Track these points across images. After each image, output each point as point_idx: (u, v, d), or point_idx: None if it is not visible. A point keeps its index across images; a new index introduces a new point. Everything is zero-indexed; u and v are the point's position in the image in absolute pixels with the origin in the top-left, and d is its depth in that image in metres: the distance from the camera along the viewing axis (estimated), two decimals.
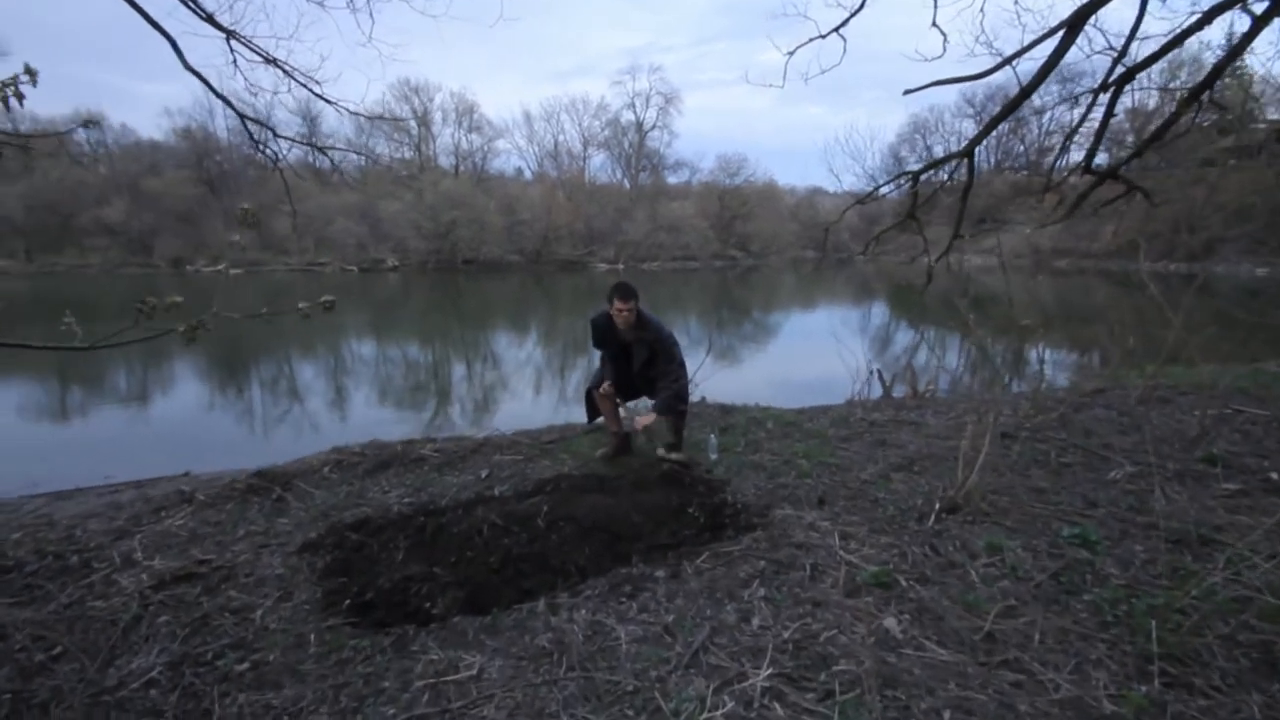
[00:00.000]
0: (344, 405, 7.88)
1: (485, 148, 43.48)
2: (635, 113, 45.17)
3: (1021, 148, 43.38)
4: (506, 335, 15.07)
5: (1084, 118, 5.88)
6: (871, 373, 5.58)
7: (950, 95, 46.86)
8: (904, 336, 14.55)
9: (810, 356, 10.93)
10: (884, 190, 5.61)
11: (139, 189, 35.33)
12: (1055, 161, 6.95)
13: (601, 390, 3.64)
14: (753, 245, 42.47)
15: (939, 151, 44.83)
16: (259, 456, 5.77)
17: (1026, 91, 5.01)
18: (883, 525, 2.84)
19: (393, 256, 34.66)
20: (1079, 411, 4.67)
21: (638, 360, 3.63)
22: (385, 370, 10.16)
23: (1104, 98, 5.14)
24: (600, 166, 46.96)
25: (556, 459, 3.59)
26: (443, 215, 33.89)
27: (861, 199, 6.11)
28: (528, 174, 45.74)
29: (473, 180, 39.94)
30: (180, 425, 7.05)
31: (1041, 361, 6.92)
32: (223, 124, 35.84)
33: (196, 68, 4.57)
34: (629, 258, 37.39)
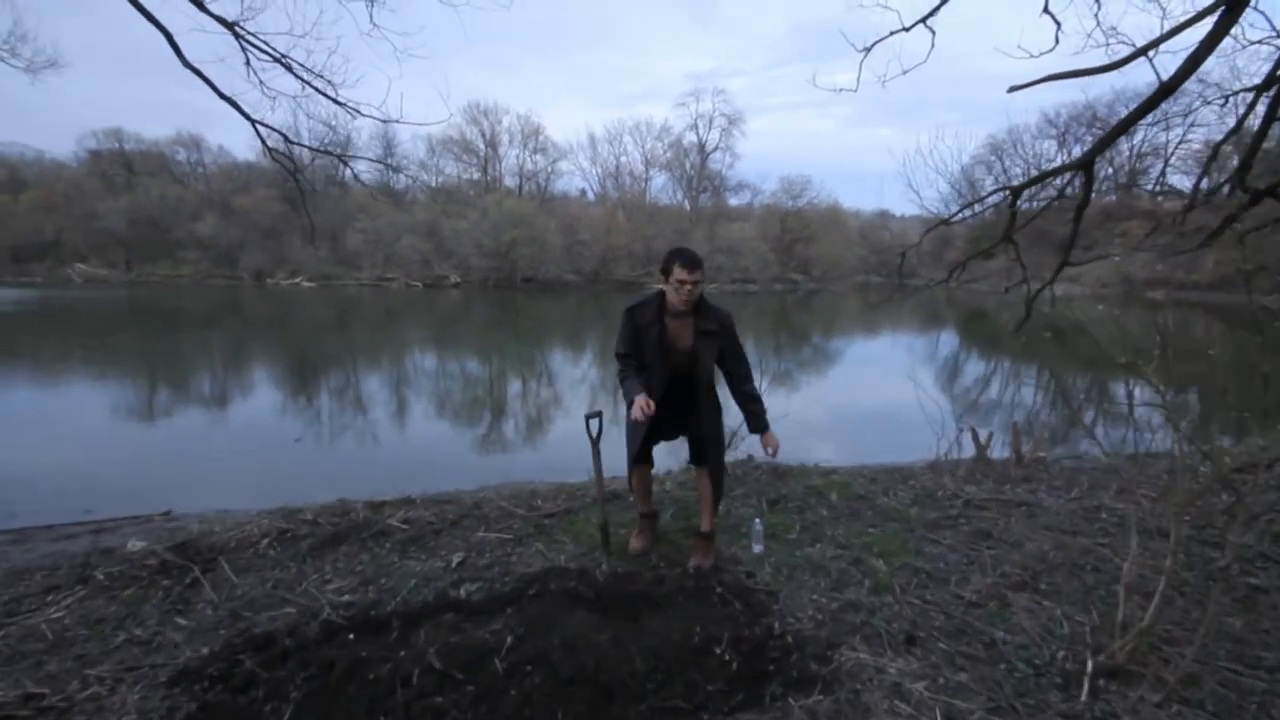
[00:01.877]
0: (351, 428, 7.44)
1: (549, 169, 44.07)
2: (698, 134, 44.76)
3: (1110, 170, 39.90)
4: (554, 355, 14.54)
5: (1241, 121, 4.73)
6: (962, 429, 4.53)
7: (1031, 116, 43.95)
8: (981, 370, 13.06)
9: (880, 394, 9.74)
10: (979, 209, 4.61)
11: (229, 206, 37.63)
12: (1199, 180, 5.74)
13: (638, 407, 2.42)
14: (814, 269, 40.94)
15: (1018, 175, 42.05)
16: (258, 485, 5.28)
17: (1169, 88, 3.92)
18: (1008, 695, 1.90)
19: (455, 273, 35.31)
20: (1251, 494, 3.50)
21: (703, 365, 2.58)
22: (416, 393, 9.75)
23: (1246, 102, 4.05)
24: (661, 188, 46.69)
25: (552, 542, 2.80)
26: (504, 234, 34.29)
27: (947, 219, 5.12)
28: (590, 195, 46.06)
29: (535, 200, 40.42)
30: (193, 444, 6.75)
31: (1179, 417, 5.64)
32: (306, 143, 37.73)
33: (218, 75, 4.24)
34: None
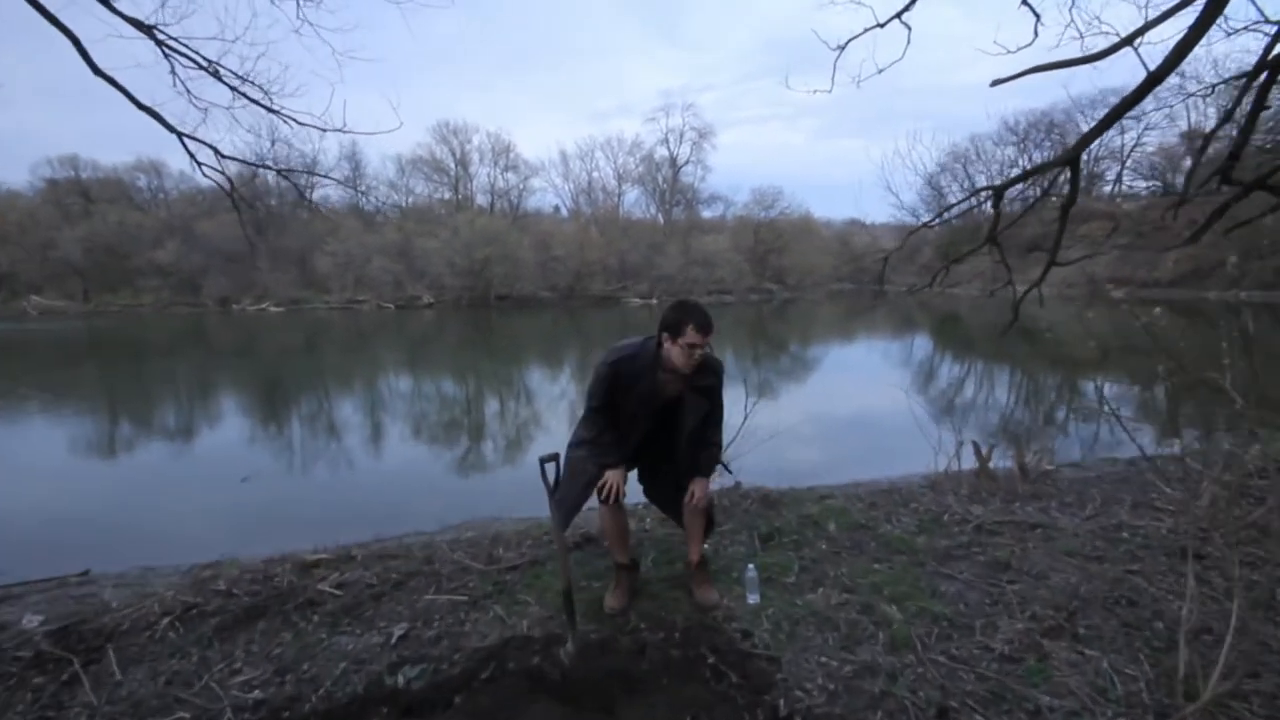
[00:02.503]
0: (304, 463, 6.85)
1: (521, 186, 43.73)
2: (669, 148, 44.86)
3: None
4: (528, 375, 14.07)
5: (1230, 113, 4.58)
6: (962, 442, 4.21)
7: (990, 124, 44.94)
8: (967, 374, 12.95)
9: (865, 402, 9.48)
10: (961, 209, 4.38)
11: (192, 231, 36.51)
12: (1190, 173, 5.60)
13: (609, 489, 2.27)
14: (789, 278, 41.13)
15: (982, 182, 42.91)
16: (195, 533, 4.66)
17: (1156, 78, 3.71)
18: None
19: (428, 293, 34.65)
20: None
21: (688, 423, 2.33)
22: (377, 422, 9.08)
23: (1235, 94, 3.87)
24: (634, 202, 46.56)
25: (513, 604, 2.39)
26: (476, 252, 33.79)
27: (928, 223, 4.90)
28: (564, 211, 45.79)
29: (508, 218, 40.03)
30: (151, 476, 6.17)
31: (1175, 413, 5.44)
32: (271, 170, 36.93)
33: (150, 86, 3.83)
34: (662, 292, 36.50)
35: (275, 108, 3.94)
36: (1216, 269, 26.14)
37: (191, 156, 4.29)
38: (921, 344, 19.44)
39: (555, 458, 2.29)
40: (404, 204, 43.28)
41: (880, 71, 4.64)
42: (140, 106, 3.89)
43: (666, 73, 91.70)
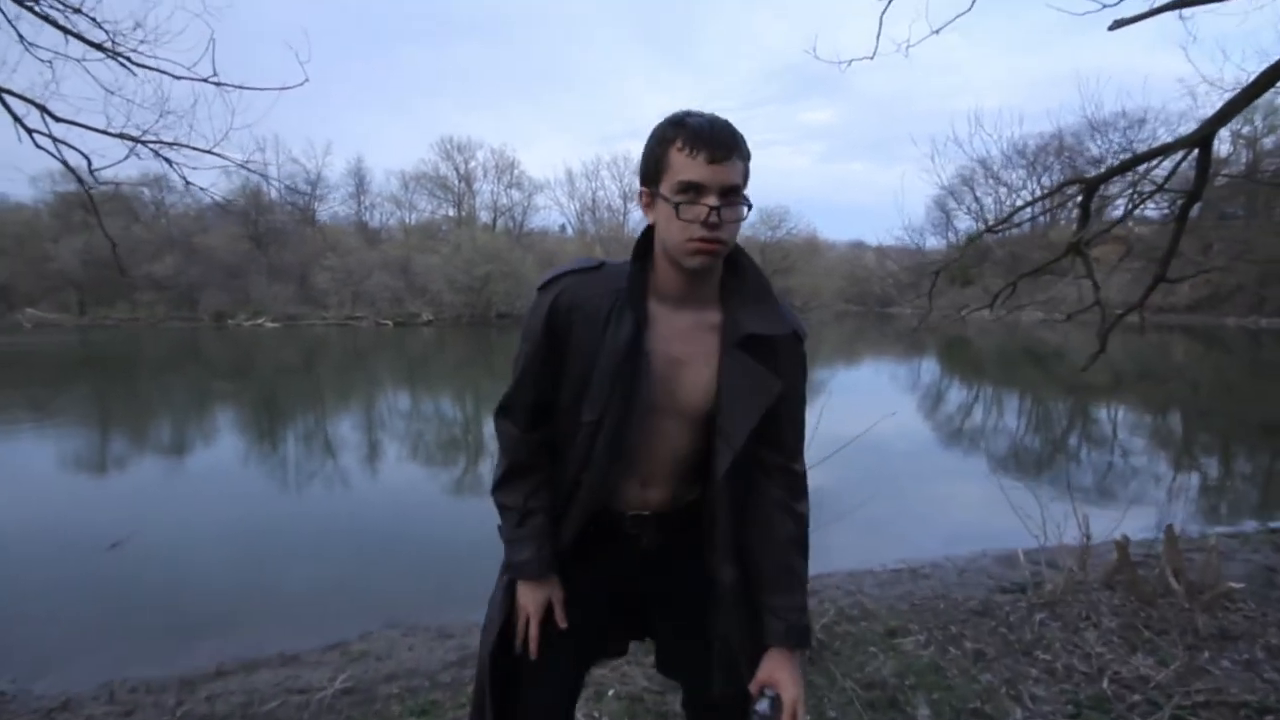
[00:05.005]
0: (203, 522, 5.34)
1: (525, 203, 43.54)
2: None
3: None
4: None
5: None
6: (1044, 505, 3.26)
7: (994, 146, 44.91)
8: (1040, 420, 12.22)
9: (898, 433, 7.87)
10: (1044, 206, 3.77)
11: (191, 245, 36.22)
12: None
13: (522, 637, 1.08)
14: (795, 299, 40.70)
15: (989, 204, 42.56)
16: (23, 638, 3.09)
17: None
18: None
19: (427, 310, 34.18)
20: None
21: (735, 433, 1.00)
22: (308, 468, 7.51)
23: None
24: (639, 220, 46.20)
25: None
26: (478, 269, 33.38)
27: (995, 225, 4.31)
28: (569, 230, 45.55)
29: (510, 235, 39.72)
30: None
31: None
32: (274, 181, 36.79)
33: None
34: None
35: (116, 50, 2.97)
36: (1234, 293, 25.54)
37: (15, 119, 3.15)
38: (960, 371, 18.46)
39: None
40: (407, 220, 43.15)
41: (935, 33, 3.97)
42: None
43: (674, 96, 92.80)
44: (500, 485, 1.09)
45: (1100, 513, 3.50)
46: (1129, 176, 3.56)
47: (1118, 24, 2.43)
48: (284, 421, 10.67)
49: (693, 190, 0.92)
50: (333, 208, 42.77)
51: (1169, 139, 3.13)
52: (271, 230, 37.90)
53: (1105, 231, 3.58)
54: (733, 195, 0.94)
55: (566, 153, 76.18)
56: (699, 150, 0.91)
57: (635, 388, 0.97)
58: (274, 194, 38.04)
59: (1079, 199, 3.33)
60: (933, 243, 45.09)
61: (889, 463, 6.83)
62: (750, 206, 0.99)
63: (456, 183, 42.28)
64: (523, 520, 1.06)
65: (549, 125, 79.92)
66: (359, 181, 42.65)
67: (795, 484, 1.09)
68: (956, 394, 14.09)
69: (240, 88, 3.10)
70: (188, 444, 9.00)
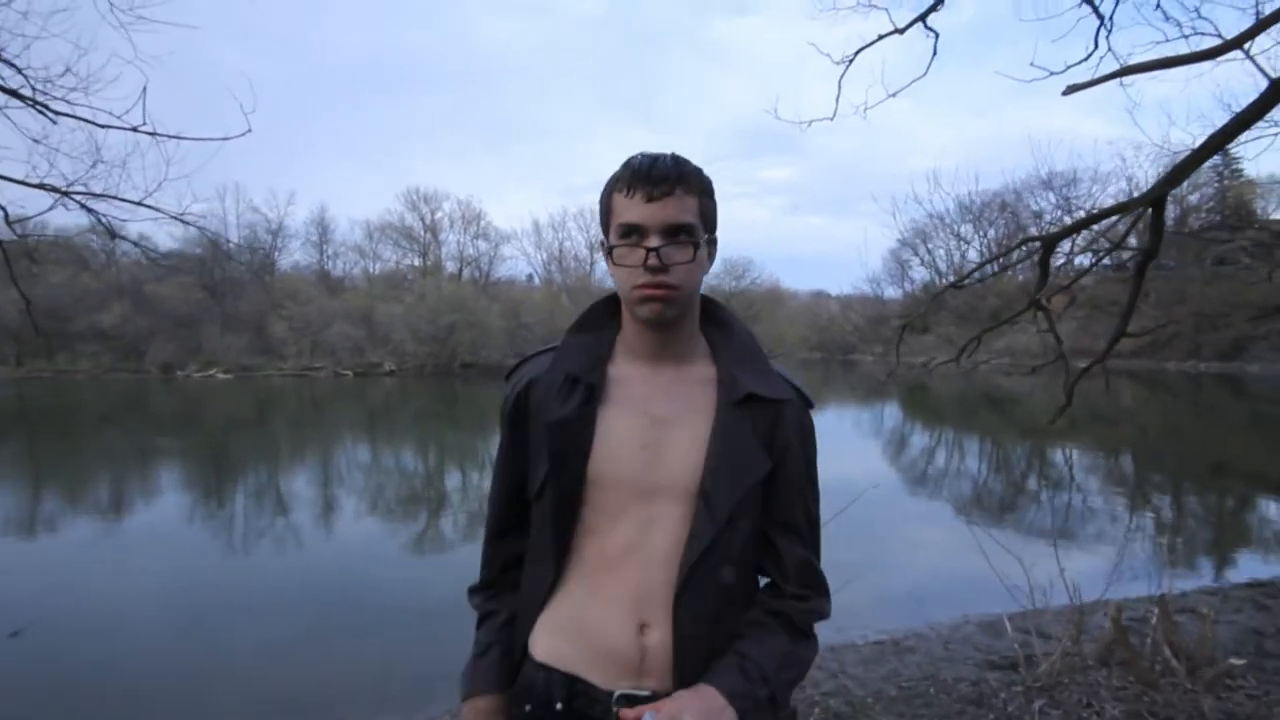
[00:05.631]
0: (119, 608, 4.77)
1: (492, 253, 43.68)
2: None
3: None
4: (473, 465, 13.02)
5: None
6: (1062, 580, 2.94)
7: (946, 202, 47.53)
8: (1016, 474, 12.38)
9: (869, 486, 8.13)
10: (1003, 262, 3.84)
11: (142, 294, 34.94)
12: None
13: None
14: (761, 346, 41.42)
15: (941, 255, 44.58)
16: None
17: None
18: None
19: (390, 360, 33.44)
20: None
21: (721, 503, 0.84)
22: (238, 543, 6.69)
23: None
24: (605, 271, 46.91)
25: None
26: (442, 318, 33.01)
27: (961, 280, 4.38)
28: (536, 280, 45.71)
29: (477, 285, 39.60)
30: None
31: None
32: (234, 231, 36.05)
33: None
34: None
35: (36, 98, 2.82)
36: (1173, 339, 26.98)
37: None
38: (922, 420, 18.83)
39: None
40: (371, 270, 42.69)
41: (913, 82, 4.09)
42: None
43: (638, 148, 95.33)
44: (469, 595, 1.01)
45: (1078, 564, 3.44)
46: (1084, 233, 3.68)
47: (1071, 89, 2.55)
48: (227, 479, 10.05)
49: (635, 233, 0.83)
50: (293, 257, 42.05)
51: (1102, 195, 3.25)
52: (228, 280, 36.94)
53: (1066, 287, 3.67)
54: (681, 234, 0.83)
55: (533, 203, 77.34)
56: (636, 189, 0.83)
57: (585, 449, 0.85)
58: (231, 243, 37.34)
59: (1037, 255, 3.40)
60: (890, 292, 46.89)
61: (864, 511, 6.69)
62: (711, 244, 0.91)
63: (422, 233, 42.27)
64: (483, 652, 0.95)
65: (516, 177, 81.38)
66: (322, 230, 42.22)
67: (811, 579, 0.90)
68: (920, 439, 14.27)
69: (175, 137, 2.95)
70: (121, 505, 8.34)
